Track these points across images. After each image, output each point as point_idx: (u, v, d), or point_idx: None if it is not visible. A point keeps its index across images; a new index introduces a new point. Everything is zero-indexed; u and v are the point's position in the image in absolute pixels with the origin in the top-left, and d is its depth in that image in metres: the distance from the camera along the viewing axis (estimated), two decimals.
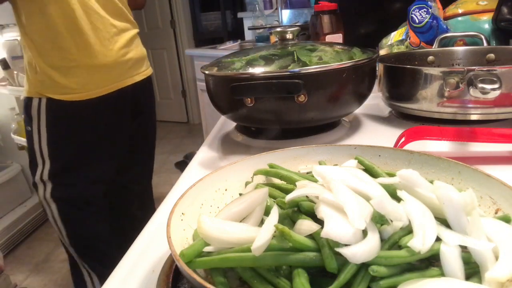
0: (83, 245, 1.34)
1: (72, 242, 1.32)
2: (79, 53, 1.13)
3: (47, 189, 1.25)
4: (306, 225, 0.30)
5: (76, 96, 1.16)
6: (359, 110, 0.84)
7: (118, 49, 1.21)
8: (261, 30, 2.57)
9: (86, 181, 1.28)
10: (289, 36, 0.74)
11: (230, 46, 2.78)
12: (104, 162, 1.32)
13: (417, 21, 0.97)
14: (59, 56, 1.11)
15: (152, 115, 1.51)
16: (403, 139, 0.57)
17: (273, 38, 1.62)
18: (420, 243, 0.28)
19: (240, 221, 0.35)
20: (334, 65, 0.64)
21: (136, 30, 1.32)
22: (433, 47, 0.95)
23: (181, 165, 3.03)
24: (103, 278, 1.32)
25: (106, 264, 1.34)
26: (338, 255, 0.27)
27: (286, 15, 2.17)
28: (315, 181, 0.36)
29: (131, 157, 1.45)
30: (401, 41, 1.06)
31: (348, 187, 0.32)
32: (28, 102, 1.18)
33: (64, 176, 1.25)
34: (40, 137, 1.20)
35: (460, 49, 0.88)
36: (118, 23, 1.22)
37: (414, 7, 0.99)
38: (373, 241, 0.28)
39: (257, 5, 2.77)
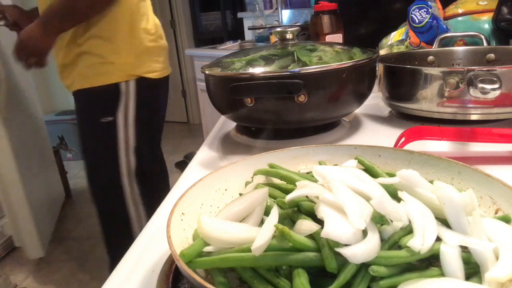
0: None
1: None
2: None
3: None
4: (306, 225, 0.30)
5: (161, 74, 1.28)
6: (359, 110, 0.84)
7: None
8: (261, 30, 2.56)
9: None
10: (289, 36, 0.74)
11: (230, 46, 2.77)
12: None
13: (417, 21, 0.97)
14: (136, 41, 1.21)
15: None
16: (403, 139, 0.57)
17: (273, 38, 1.62)
18: (420, 243, 0.28)
19: (240, 221, 0.35)
20: (334, 65, 0.64)
21: None
22: (433, 47, 0.95)
23: (181, 165, 3.04)
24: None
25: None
26: (338, 255, 0.27)
27: (286, 15, 2.17)
28: (315, 181, 0.36)
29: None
30: (401, 41, 1.06)
31: (348, 187, 0.32)
32: (108, 90, 1.17)
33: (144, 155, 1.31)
34: (127, 122, 1.21)
35: (460, 49, 0.88)
36: None
37: (414, 7, 0.99)
38: (373, 241, 0.28)
39: (257, 5, 2.76)
